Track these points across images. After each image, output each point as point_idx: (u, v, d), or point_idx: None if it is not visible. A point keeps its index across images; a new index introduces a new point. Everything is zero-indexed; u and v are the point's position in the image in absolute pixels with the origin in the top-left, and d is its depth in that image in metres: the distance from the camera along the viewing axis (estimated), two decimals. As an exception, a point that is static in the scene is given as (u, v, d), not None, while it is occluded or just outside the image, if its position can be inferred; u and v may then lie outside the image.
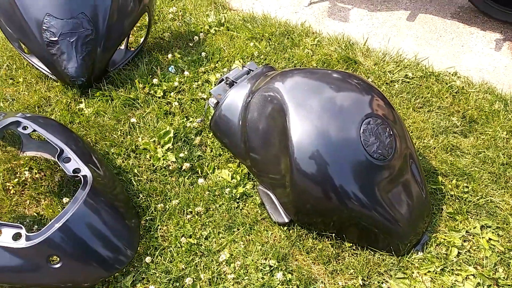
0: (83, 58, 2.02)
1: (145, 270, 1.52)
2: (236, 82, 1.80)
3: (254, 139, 1.65)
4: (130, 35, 2.38)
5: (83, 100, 2.10)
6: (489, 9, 2.63)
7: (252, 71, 1.85)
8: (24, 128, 1.62)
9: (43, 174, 1.80)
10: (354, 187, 1.47)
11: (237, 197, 1.73)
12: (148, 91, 2.13)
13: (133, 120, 2.00)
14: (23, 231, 1.39)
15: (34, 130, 1.62)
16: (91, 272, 1.46)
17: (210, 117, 1.88)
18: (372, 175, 1.48)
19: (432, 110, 2.10)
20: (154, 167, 1.83)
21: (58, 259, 1.39)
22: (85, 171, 1.54)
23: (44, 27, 1.96)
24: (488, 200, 1.72)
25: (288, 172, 1.51)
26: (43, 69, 2.18)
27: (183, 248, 1.57)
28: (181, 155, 1.84)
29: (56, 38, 1.96)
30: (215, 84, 2.06)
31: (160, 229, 1.63)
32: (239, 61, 2.29)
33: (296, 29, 2.59)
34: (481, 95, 2.18)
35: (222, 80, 1.85)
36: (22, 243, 1.36)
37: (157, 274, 1.51)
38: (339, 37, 2.53)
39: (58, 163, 1.56)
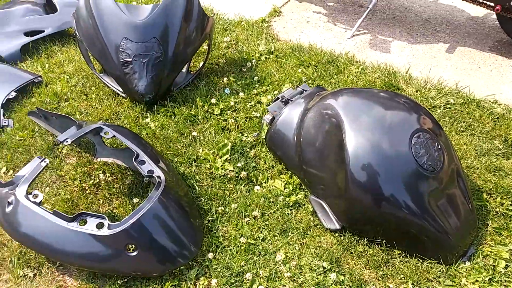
0: (152, 77, 2.26)
1: (208, 265, 1.65)
2: (291, 100, 1.98)
3: (310, 152, 1.80)
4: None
5: (148, 115, 2.33)
6: (528, 44, 2.76)
7: (305, 91, 2.03)
8: (106, 133, 1.84)
9: (115, 177, 2.00)
10: (405, 196, 1.59)
11: (290, 204, 1.87)
12: (207, 109, 2.34)
13: (194, 133, 2.19)
14: (105, 222, 1.57)
15: (114, 136, 1.84)
16: (160, 263, 1.61)
17: (265, 132, 2.06)
18: (422, 186, 1.59)
19: (474, 134, 2.20)
20: (213, 175, 2.00)
21: (134, 247, 1.55)
22: (158, 172, 1.73)
23: (121, 49, 2.22)
24: (533, 217, 1.79)
25: (343, 183, 1.64)
26: (114, 87, 2.44)
27: (242, 247, 1.70)
28: (238, 165, 2.01)
29: (130, 59, 2.22)
30: (269, 103, 2.25)
31: (220, 229, 1.77)
32: (289, 85, 2.49)
33: (340, 57, 2.78)
34: (522, 121, 2.27)
35: (278, 98, 2.04)
36: (105, 231, 1.54)
37: (219, 269, 1.64)
38: (381, 65, 2.70)
39: (135, 164, 1.75)
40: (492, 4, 2.70)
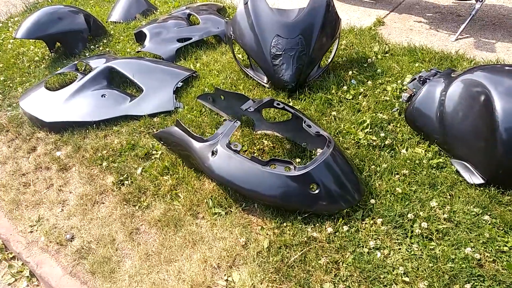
0: (296, 68, 2.68)
1: (371, 208, 1.97)
2: (429, 79, 2.30)
3: (456, 120, 2.07)
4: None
5: (290, 100, 2.75)
6: None
7: (439, 72, 2.35)
8: (277, 104, 2.26)
9: (275, 144, 2.40)
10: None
11: (433, 166, 2.15)
12: (340, 95, 2.72)
13: (333, 113, 2.56)
14: (292, 166, 1.95)
15: (283, 107, 2.25)
16: (334, 202, 1.94)
17: (403, 108, 2.38)
18: None
19: None
20: (358, 144, 2.34)
21: (317, 187, 1.90)
22: (325, 134, 2.10)
23: (272, 44, 2.68)
24: None
25: (492, 144, 1.89)
26: (258, 79, 2.90)
27: (398, 196, 2.00)
28: (382, 135, 2.34)
29: (281, 52, 2.67)
30: (397, 89, 2.58)
31: (376, 182, 2.09)
32: (410, 76, 2.81)
33: (451, 55, 3.07)
34: None
35: (415, 78, 2.37)
36: (294, 172, 1.91)
37: (382, 211, 1.94)
38: (493, 59, 2.96)
39: (303, 126, 2.14)
40: None
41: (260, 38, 2.71)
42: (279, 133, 2.45)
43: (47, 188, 2.44)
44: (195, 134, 2.16)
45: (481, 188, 2.00)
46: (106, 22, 4.16)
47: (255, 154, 2.35)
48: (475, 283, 1.65)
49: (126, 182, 2.33)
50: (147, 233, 2.08)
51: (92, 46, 3.69)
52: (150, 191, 2.26)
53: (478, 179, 2.01)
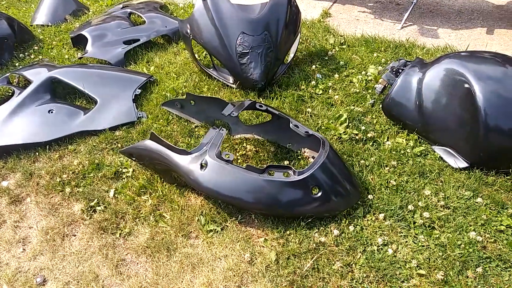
0: (265, 66, 2.57)
1: (370, 204, 1.94)
2: (401, 69, 2.33)
3: (436, 108, 2.12)
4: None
5: (261, 99, 2.63)
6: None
7: (410, 62, 2.39)
8: (260, 106, 2.13)
9: (258, 148, 2.27)
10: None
11: (418, 154, 2.19)
12: (310, 90, 2.67)
13: (308, 109, 2.50)
14: (291, 171, 1.85)
15: (267, 109, 2.13)
16: (337, 203, 1.88)
17: (377, 99, 2.39)
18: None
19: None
20: (340, 140, 2.31)
21: (318, 190, 1.82)
22: (316, 134, 2.03)
23: (238, 42, 2.54)
24: None
25: (475, 128, 1.96)
26: (222, 79, 2.74)
27: (393, 188, 2.00)
28: (362, 128, 2.32)
29: (247, 50, 2.53)
30: (361, 80, 2.61)
31: (369, 177, 2.07)
32: (374, 66, 2.85)
33: (402, 43, 3.18)
34: None
35: (387, 69, 2.39)
36: (294, 178, 1.81)
37: (382, 206, 1.93)
38: (440, 46, 3.12)
39: (291, 127, 2.04)
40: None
41: (223, 36, 2.55)
42: (259, 136, 2.33)
43: (-2, 226, 2.06)
44: (175, 146, 1.96)
45: (467, 172, 2.07)
46: (31, 25, 3.66)
47: (238, 160, 2.21)
48: (485, 265, 1.70)
49: (98, 208, 2.05)
50: (136, 263, 1.85)
51: (21, 55, 3.21)
52: (129, 214, 2.01)
53: (462, 163, 2.08)
